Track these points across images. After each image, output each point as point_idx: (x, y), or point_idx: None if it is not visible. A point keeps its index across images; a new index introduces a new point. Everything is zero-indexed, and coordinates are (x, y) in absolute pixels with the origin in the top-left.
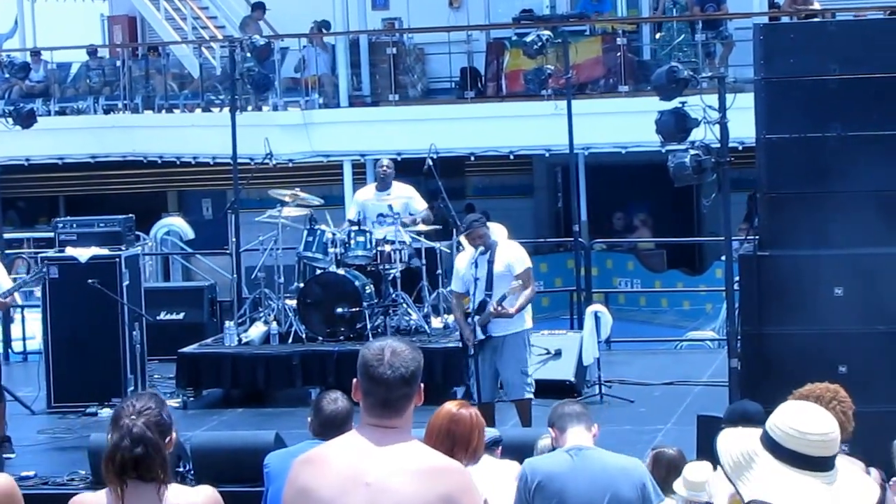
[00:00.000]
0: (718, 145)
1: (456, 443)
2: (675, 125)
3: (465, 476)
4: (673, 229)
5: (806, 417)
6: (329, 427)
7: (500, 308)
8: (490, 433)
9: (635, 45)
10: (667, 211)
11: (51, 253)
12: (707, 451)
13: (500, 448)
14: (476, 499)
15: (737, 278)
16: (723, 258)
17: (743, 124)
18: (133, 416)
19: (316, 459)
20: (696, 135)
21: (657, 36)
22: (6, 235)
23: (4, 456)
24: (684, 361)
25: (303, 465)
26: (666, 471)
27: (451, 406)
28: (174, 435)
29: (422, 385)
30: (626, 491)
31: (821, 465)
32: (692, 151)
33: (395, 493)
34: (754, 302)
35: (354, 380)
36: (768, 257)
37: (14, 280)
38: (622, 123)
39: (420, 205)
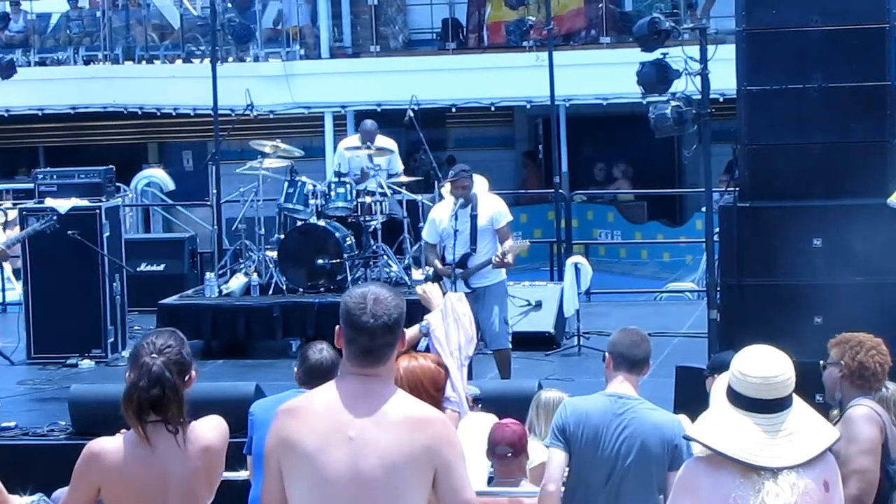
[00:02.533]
0: (699, 97)
1: (421, 394)
2: (657, 77)
3: (448, 426)
4: (653, 181)
5: (752, 360)
6: (315, 376)
7: (503, 259)
8: (470, 390)
9: None
10: (647, 162)
11: (30, 204)
12: (685, 402)
13: (479, 406)
14: (458, 448)
15: (717, 230)
16: (703, 210)
17: (724, 76)
18: (154, 355)
19: (299, 410)
20: (678, 86)
21: None
22: None
23: None
24: (664, 313)
25: (286, 415)
26: (546, 413)
27: (405, 361)
28: (194, 373)
29: (404, 331)
30: (653, 446)
31: (764, 407)
32: (673, 103)
33: (378, 446)
34: (734, 253)
35: (337, 327)
36: (748, 209)
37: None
38: (603, 75)
39: (399, 164)
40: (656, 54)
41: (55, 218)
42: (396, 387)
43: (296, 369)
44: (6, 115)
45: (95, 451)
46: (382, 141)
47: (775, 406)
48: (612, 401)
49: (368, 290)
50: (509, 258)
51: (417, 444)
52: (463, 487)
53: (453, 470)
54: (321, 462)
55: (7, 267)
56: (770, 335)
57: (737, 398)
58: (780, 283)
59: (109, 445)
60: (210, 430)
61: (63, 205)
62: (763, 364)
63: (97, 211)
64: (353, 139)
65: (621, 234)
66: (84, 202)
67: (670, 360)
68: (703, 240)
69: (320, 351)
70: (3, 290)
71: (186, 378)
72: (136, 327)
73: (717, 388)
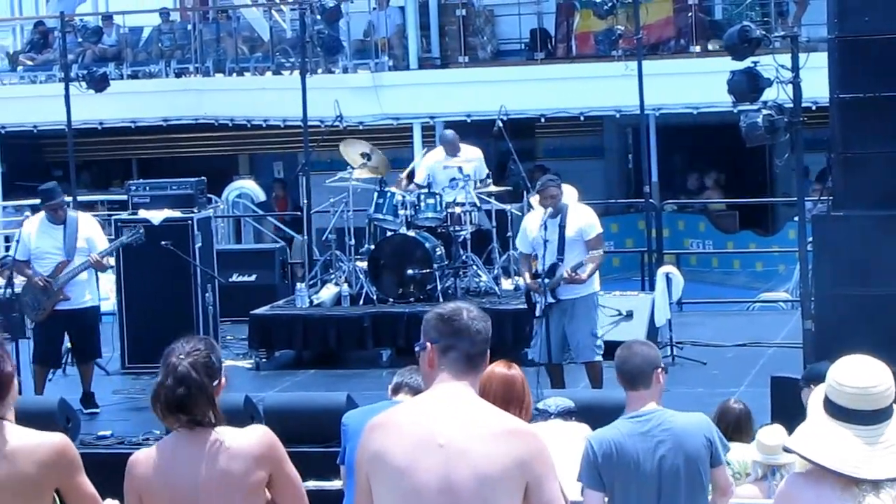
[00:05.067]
0: (791, 105)
1: (511, 404)
2: (748, 85)
3: (540, 440)
4: (745, 190)
5: (849, 370)
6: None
7: (573, 274)
8: (564, 403)
9: (707, 5)
10: (739, 171)
11: (125, 215)
12: (781, 413)
13: (573, 418)
14: (550, 462)
15: (810, 239)
16: (796, 219)
17: (816, 84)
18: (181, 356)
19: (387, 423)
20: (769, 95)
21: None
22: (80, 198)
23: (89, 411)
24: (757, 323)
25: (374, 429)
26: (727, 425)
27: (500, 369)
28: (223, 379)
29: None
30: (690, 449)
31: (862, 418)
32: (764, 111)
33: (470, 455)
34: (827, 263)
35: (428, 346)
36: (842, 218)
37: (110, 241)
38: (693, 84)
39: (484, 170)
40: (747, 62)
41: (142, 231)
42: (484, 400)
43: (390, 388)
44: (100, 127)
45: (131, 462)
46: (467, 150)
47: (874, 417)
48: (634, 422)
49: (460, 304)
50: (584, 271)
51: (510, 456)
52: (553, 501)
53: (545, 484)
54: (411, 473)
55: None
56: (866, 345)
57: (834, 409)
58: (875, 293)
59: (142, 455)
60: (248, 436)
61: (156, 216)
62: (860, 374)
63: (189, 222)
64: (438, 152)
65: (713, 243)
66: (177, 213)
67: (765, 370)
68: (797, 249)
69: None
70: (99, 300)
71: (216, 383)
72: (228, 337)
73: (814, 399)
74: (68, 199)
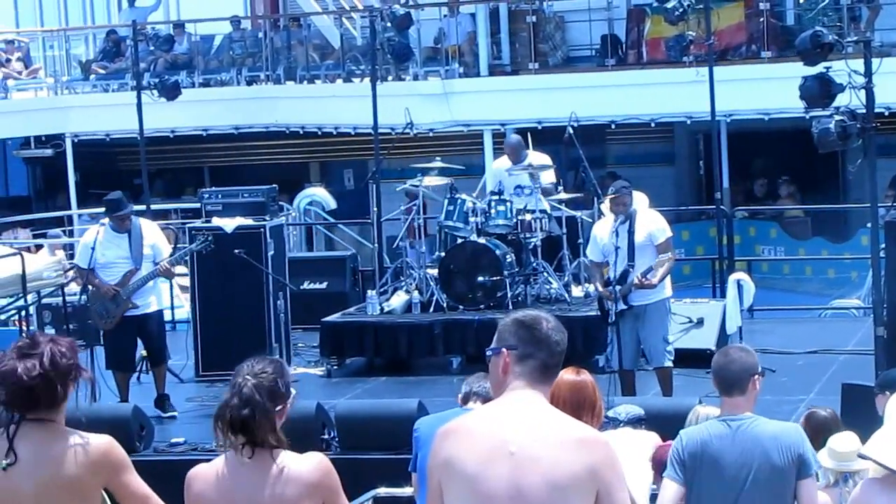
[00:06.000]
0: (864, 111)
1: (583, 409)
2: (820, 91)
3: (610, 449)
4: (817, 196)
5: None
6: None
7: (643, 280)
8: (634, 411)
9: (778, 10)
10: (811, 178)
11: (197, 223)
12: (853, 420)
13: (643, 426)
14: (620, 471)
15: (883, 245)
16: (868, 225)
17: (889, 89)
18: (248, 377)
19: (459, 430)
20: (841, 100)
21: (801, 0)
22: (153, 206)
23: (168, 415)
24: (828, 330)
25: (446, 436)
26: (814, 432)
27: (570, 375)
28: (287, 405)
29: None
30: (776, 459)
31: None
32: (837, 117)
33: (540, 463)
34: None
35: (501, 353)
36: None
37: (177, 249)
38: (765, 89)
39: (550, 177)
40: (819, 68)
41: (210, 238)
42: (555, 408)
43: (462, 391)
44: (172, 135)
45: (190, 476)
46: (534, 156)
47: None
48: (725, 425)
49: (539, 312)
50: (654, 276)
51: (580, 464)
52: None
53: (615, 492)
54: (482, 479)
55: (175, 284)
56: None
57: None
58: None
59: (201, 470)
60: (306, 463)
61: (229, 224)
62: None
63: (262, 230)
64: (503, 159)
65: (784, 250)
66: (249, 221)
67: (836, 377)
68: (869, 256)
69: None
70: (173, 307)
71: (279, 407)
72: (300, 344)
73: (892, 406)
74: (142, 207)
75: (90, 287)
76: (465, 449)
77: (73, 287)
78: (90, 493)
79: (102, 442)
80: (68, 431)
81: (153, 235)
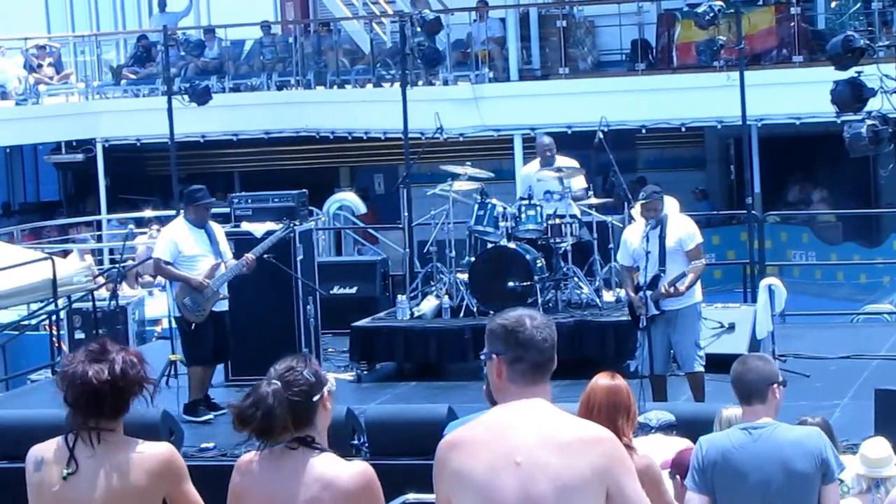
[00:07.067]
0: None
1: (619, 413)
2: (851, 95)
3: (616, 443)
4: (849, 201)
5: None
6: None
7: (671, 289)
8: (665, 417)
9: (809, 15)
10: (842, 182)
11: (227, 228)
12: (886, 426)
13: (674, 432)
14: (628, 464)
15: None
16: None
17: None
18: (273, 381)
19: (462, 442)
20: (873, 105)
21: (832, 4)
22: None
23: (216, 414)
24: (861, 335)
25: (448, 448)
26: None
27: (605, 380)
28: (327, 392)
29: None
30: (800, 464)
31: None
32: (868, 122)
33: (548, 470)
34: None
35: (494, 358)
36: None
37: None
38: (796, 94)
39: (581, 182)
40: (851, 72)
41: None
42: (556, 407)
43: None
44: (202, 140)
45: (238, 462)
46: (563, 161)
47: None
48: (746, 433)
49: (523, 312)
50: (683, 284)
51: (587, 464)
52: (638, 502)
53: (626, 487)
54: (490, 491)
55: None
56: None
57: None
58: None
59: (245, 458)
60: (347, 470)
61: (258, 229)
62: None
63: (292, 234)
64: (533, 164)
65: (816, 255)
66: (279, 226)
67: (869, 382)
68: None
69: None
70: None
71: (316, 397)
72: (329, 349)
73: None
74: (173, 212)
75: (178, 281)
76: (470, 459)
77: (103, 292)
78: (153, 502)
79: (164, 450)
80: (128, 440)
81: (221, 233)
